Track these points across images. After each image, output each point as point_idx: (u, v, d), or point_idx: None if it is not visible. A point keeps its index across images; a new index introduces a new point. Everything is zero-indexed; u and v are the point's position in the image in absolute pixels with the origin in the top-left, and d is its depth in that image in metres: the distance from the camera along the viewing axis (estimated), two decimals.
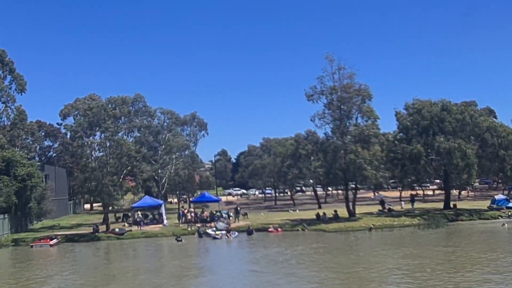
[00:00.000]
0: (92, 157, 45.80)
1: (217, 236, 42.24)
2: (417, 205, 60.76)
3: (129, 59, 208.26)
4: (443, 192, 73.67)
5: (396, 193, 74.03)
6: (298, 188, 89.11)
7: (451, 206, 53.12)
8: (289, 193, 78.98)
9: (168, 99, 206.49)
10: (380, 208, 54.50)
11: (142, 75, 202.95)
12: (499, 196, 54.69)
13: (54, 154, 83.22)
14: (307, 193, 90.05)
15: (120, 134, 55.00)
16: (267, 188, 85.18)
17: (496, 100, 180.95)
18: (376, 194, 63.26)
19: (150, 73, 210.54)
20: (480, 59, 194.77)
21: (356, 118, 50.31)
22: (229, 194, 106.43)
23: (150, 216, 54.74)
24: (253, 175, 78.35)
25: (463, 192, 75.64)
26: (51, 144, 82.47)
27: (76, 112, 45.89)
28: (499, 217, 49.13)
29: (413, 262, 27.04)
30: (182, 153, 62.35)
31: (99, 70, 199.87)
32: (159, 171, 58.74)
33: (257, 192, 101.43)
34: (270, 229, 46.54)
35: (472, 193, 74.08)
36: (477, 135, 49.97)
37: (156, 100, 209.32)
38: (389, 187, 78.76)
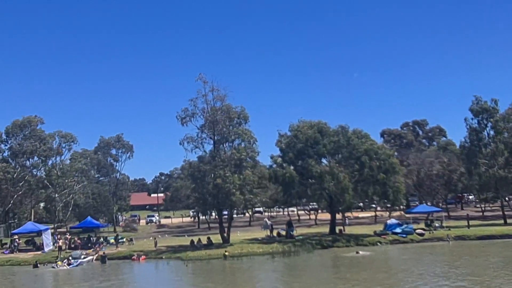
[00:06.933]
0: None
1: (55, 266, 40.97)
2: (323, 229, 59.27)
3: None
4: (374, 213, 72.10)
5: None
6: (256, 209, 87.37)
7: (337, 231, 51.16)
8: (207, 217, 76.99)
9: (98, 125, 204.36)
10: (268, 233, 52.86)
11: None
12: (391, 221, 52.65)
13: None
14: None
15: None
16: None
17: (448, 120, 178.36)
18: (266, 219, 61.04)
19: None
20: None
21: (233, 141, 49.05)
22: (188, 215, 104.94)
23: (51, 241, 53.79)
24: (173, 198, 77.08)
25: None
26: None
27: None
28: (378, 244, 47.34)
29: None
30: (83, 177, 61.20)
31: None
32: (55, 195, 57.69)
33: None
34: (133, 257, 45.29)
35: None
36: (356, 158, 48.17)
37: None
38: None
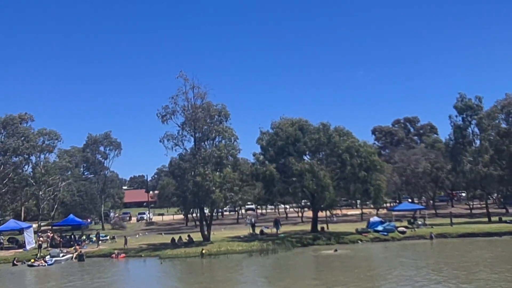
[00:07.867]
0: None
1: (34, 264, 40.92)
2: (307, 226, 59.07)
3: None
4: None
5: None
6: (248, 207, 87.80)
7: (319, 229, 50.94)
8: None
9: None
10: (251, 231, 52.66)
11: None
12: (374, 219, 52.55)
13: None
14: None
15: None
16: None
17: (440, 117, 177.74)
18: (248, 217, 61.15)
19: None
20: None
21: (214, 139, 48.81)
22: None
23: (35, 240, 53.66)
24: (160, 195, 77.01)
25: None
26: None
27: None
28: (358, 242, 47.12)
29: None
30: (67, 174, 61.06)
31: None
32: (40, 193, 57.55)
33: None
34: (113, 255, 45.21)
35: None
36: (338, 155, 47.92)
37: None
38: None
